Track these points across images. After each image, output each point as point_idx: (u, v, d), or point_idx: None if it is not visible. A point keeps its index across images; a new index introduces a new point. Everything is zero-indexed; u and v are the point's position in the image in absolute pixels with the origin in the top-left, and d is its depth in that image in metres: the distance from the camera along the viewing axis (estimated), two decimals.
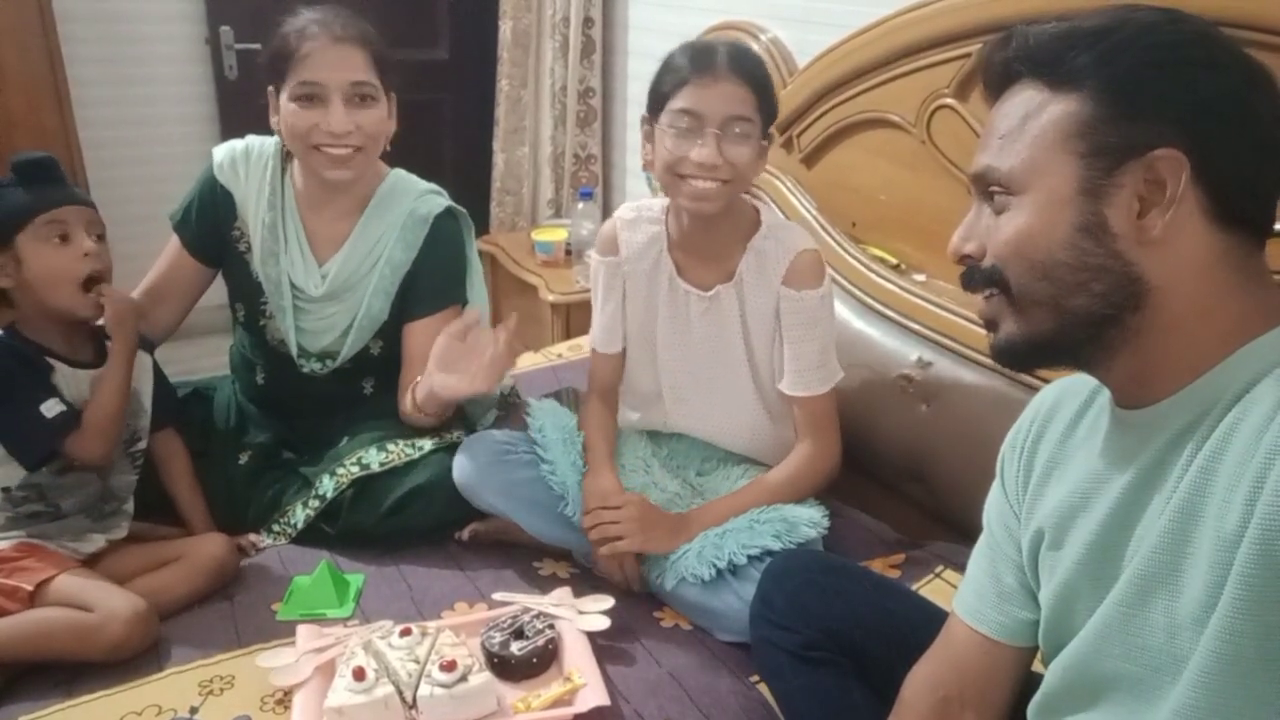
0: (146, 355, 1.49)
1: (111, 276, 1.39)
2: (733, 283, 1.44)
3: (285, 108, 1.46)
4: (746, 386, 1.48)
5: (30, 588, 1.24)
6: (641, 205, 1.54)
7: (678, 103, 1.32)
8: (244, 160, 1.59)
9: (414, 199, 1.60)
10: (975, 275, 0.77)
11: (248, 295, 1.62)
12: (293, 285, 1.57)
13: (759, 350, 1.47)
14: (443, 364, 1.43)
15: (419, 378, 1.51)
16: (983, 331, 1.49)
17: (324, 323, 1.59)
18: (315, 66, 1.44)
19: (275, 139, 1.60)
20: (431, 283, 1.59)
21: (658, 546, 1.37)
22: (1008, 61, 0.75)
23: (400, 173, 1.64)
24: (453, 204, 1.64)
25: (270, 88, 1.50)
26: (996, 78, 0.76)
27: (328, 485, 1.51)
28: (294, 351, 1.60)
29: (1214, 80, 0.69)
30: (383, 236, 1.57)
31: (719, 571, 1.32)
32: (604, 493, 1.40)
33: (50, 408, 1.30)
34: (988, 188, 0.75)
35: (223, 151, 1.60)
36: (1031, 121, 0.72)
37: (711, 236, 1.44)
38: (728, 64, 1.32)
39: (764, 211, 1.47)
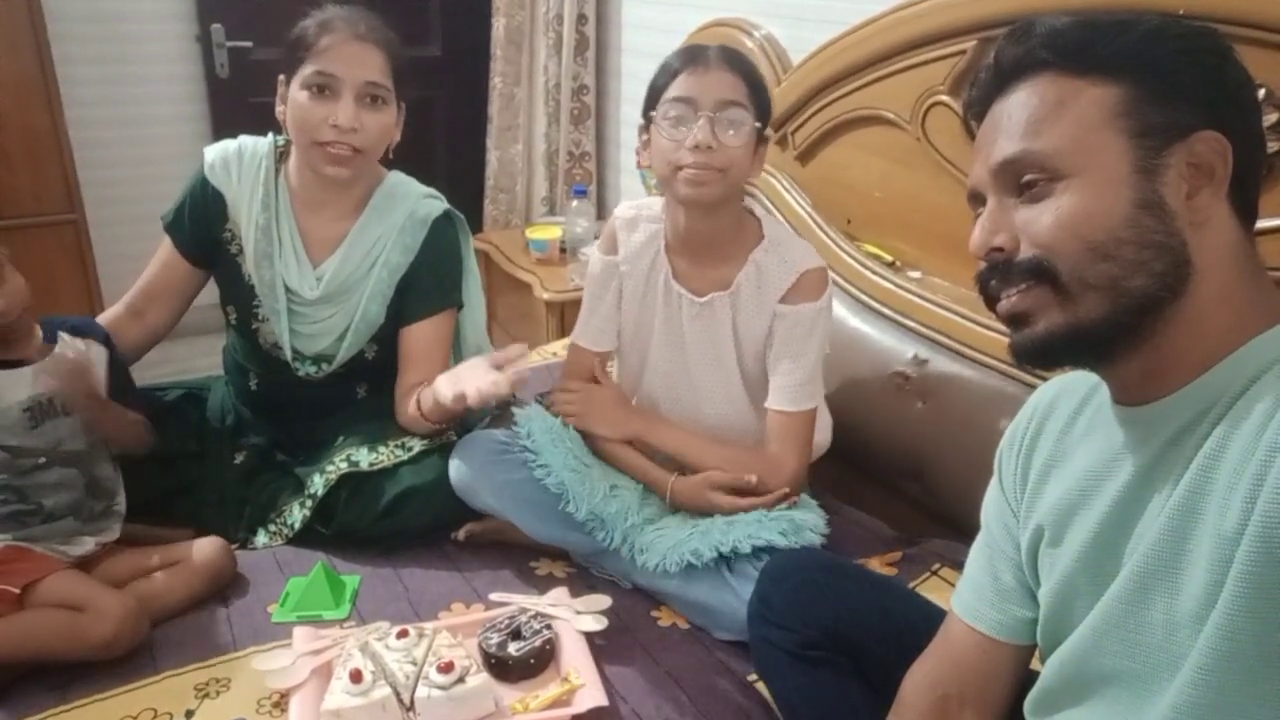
0: (100, 347, 1.43)
1: (16, 311, 1.29)
2: (729, 292, 1.43)
3: (295, 97, 1.45)
4: (738, 391, 1.47)
5: (18, 590, 1.23)
6: (641, 204, 1.54)
7: (671, 93, 1.35)
8: (236, 161, 1.56)
9: (413, 202, 1.58)
10: (1012, 269, 0.74)
11: (240, 298, 1.59)
12: (287, 288, 1.55)
13: (749, 359, 1.46)
14: (453, 376, 1.40)
15: (423, 384, 1.49)
16: (978, 328, 1.55)
17: (319, 326, 1.58)
18: (332, 59, 1.43)
19: (269, 139, 1.58)
20: (428, 285, 1.58)
21: (599, 429, 1.50)
22: (1029, 51, 0.74)
23: (398, 175, 1.62)
24: (451, 208, 1.63)
25: (281, 76, 1.49)
26: (1009, 70, 0.76)
27: (318, 483, 1.51)
28: (288, 354, 1.59)
29: (1233, 70, 0.71)
30: (380, 238, 1.55)
31: (720, 558, 1.32)
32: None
33: None
34: (1020, 176, 0.73)
35: (214, 152, 1.57)
36: (1069, 105, 0.72)
37: (709, 241, 1.43)
38: (719, 55, 1.37)
39: (767, 224, 1.45)
